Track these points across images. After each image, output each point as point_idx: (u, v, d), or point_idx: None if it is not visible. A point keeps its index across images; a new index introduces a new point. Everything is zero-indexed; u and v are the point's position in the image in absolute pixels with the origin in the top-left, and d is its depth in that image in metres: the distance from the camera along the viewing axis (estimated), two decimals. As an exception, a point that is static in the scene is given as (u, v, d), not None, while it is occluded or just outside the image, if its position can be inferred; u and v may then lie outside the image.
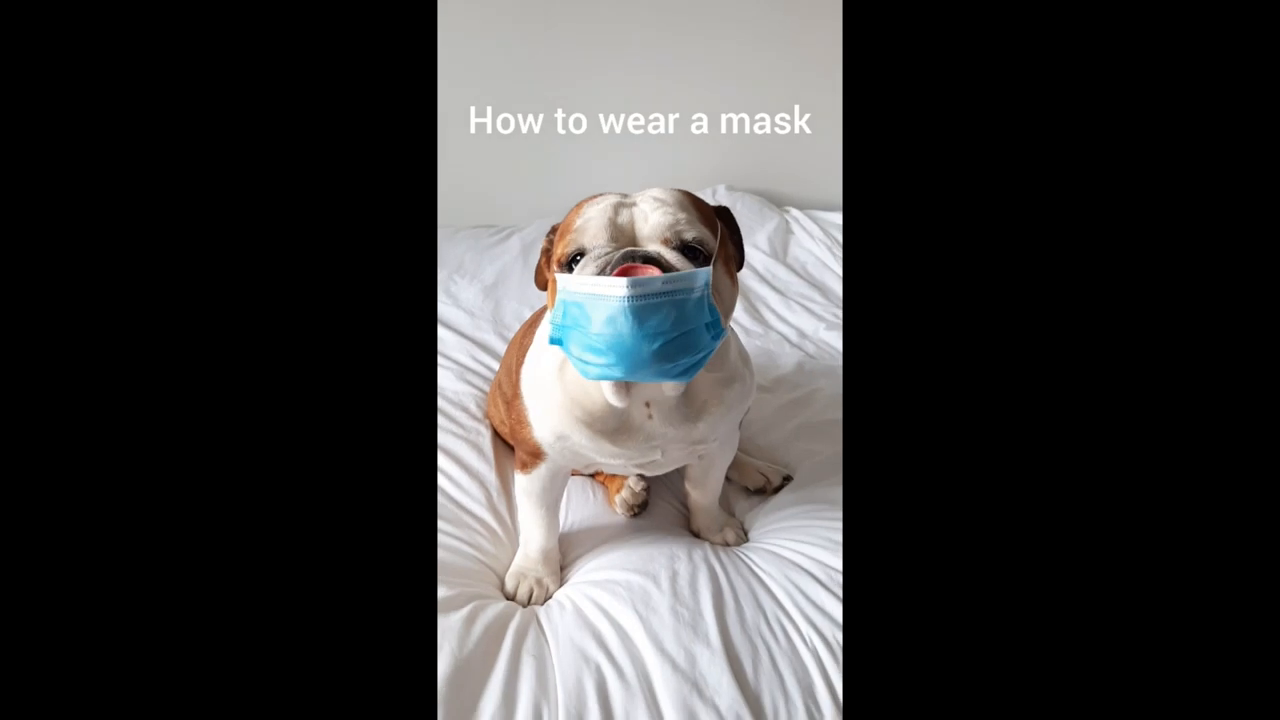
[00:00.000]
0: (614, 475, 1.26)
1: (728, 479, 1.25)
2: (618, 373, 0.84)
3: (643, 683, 0.92)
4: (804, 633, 0.99)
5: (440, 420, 1.40)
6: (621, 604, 1.02)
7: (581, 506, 1.26)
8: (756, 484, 1.31)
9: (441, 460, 1.31)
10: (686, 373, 0.86)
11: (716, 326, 0.85)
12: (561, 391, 0.99)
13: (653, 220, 0.86)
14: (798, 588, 1.06)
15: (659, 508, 1.27)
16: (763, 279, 1.98)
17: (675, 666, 0.93)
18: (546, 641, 0.99)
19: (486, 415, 1.43)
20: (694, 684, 0.91)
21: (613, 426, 0.99)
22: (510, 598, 1.10)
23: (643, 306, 0.79)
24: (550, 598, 1.10)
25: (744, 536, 1.23)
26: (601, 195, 0.92)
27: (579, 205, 0.92)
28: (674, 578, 1.06)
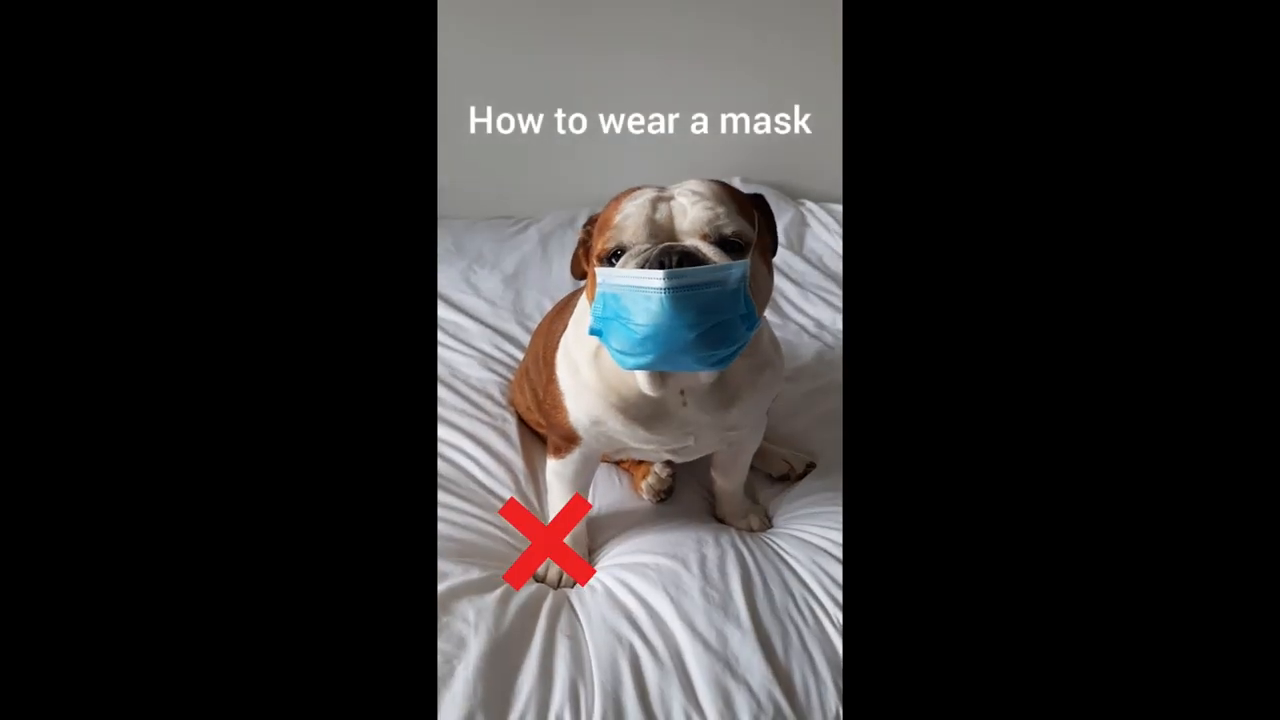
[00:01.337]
0: (640, 462, 1.28)
1: (752, 466, 1.27)
2: (655, 362, 0.86)
3: (676, 662, 0.94)
4: (831, 614, 1.01)
5: (466, 407, 1.42)
6: (652, 586, 1.03)
7: (608, 492, 1.28)
8: (780, 471, 1.33)
9: (469, 446, 1.33)
10: (722, 362, 0.88)
11: (752, 317, 0.87)
12: (598, 378, 1.01)
13: (691, 215, 0.87)
14: (824, 570, 1.08)
15: (685, 494, 1.29)
16: (780, 271, 1.98)
17: (708, 646, 0.95)
18: (580, 622, 1.01)
19: (511, 402, 1.45)
20: (726, 663, 0.93)
21: (648, 413, 1.01)
22: (540, 580, 1.12)
23: (679, 297, 0.81)
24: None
25: (768, 522, 1.25)
26: (639, 189, 0.92)
27: (617, 200, 0.92)
28: (703, 561, 1.08)
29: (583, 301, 1.02)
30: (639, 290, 0.82)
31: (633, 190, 0.93)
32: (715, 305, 0.82)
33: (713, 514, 1.26)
